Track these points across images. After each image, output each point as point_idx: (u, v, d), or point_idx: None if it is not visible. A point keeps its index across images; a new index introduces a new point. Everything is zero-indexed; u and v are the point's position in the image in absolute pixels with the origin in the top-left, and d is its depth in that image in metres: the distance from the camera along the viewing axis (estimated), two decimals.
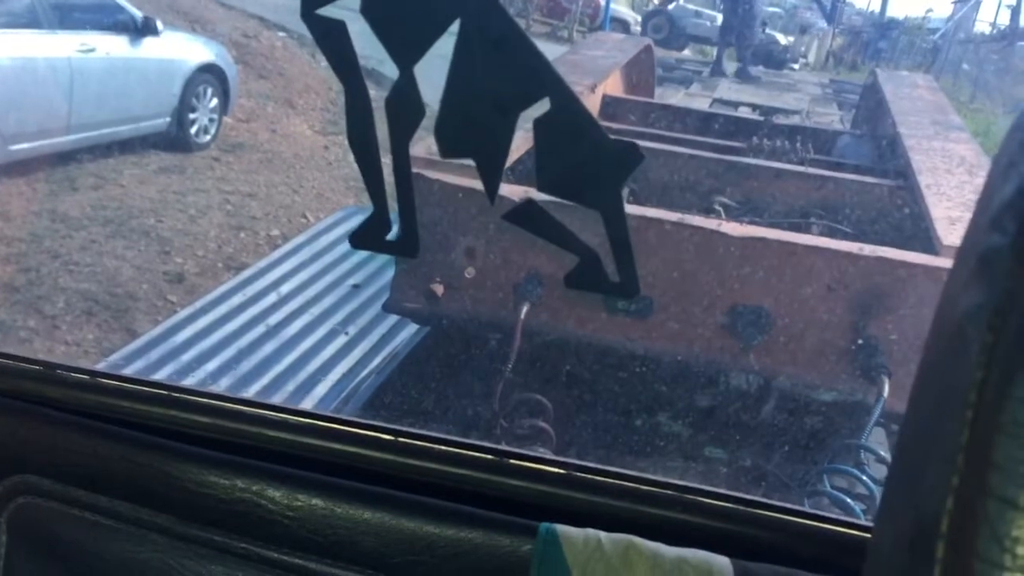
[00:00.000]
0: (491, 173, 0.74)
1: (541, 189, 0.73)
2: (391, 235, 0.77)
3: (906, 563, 0.39)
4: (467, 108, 0.72)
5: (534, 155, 0.72)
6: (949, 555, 0.34)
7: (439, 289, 2.90)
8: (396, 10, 0.71)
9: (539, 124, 0.71)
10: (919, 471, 0.39)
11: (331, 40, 0.72)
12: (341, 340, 3.84)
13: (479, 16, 0.69)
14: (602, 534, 0.77)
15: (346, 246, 4.58)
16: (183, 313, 4.01)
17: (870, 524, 0.80)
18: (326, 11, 0.72)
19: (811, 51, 12.57)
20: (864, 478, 2.64)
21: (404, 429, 0.88)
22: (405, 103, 0.73)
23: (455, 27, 0.70)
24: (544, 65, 0.71)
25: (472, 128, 0.73)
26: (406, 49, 0.71)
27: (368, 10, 0.70)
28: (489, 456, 0.86)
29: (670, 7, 15.78)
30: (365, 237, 0.78)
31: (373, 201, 0.76)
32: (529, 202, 0.74)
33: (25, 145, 5.33)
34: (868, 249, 2.77)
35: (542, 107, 0.71)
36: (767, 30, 14.26)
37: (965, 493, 0.34)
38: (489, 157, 0.74)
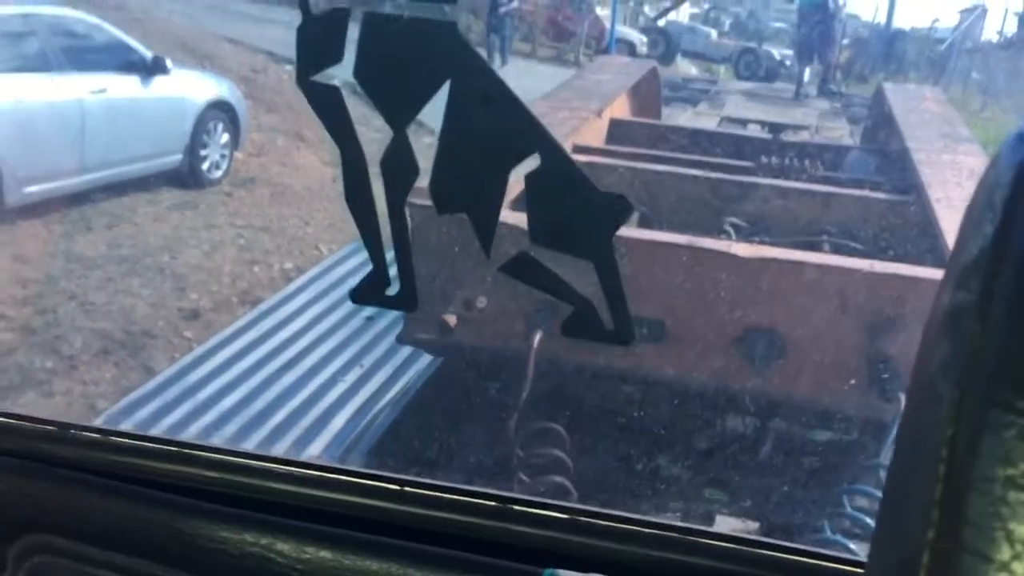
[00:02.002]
0: (485, 228, 0.75)
1: (534, 241, 0.74)
2: (390, 290, 0.79)
3: None
4: (460, 165, 0.74)
5: (526, 208, 0.73)
6: None
7: (452, 320, 2.90)
8: (387, 73, 0.73)
9: (530, 179, 0.72)
10: (902, 521, 0.40)
11: (326, 105, 0.74)
12: (357, 372, 3.86)
13: (468, 78, 0.70)
14: None
15: (358, 278, 4.62)
16: (199, 349, 4.04)
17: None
18: (320, 77, 0.74)
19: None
20: None
21: (410, 479, 0.89)
22: (399, 163, 0.75)
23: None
24: (532, 122, 0.72)
25: (465, 185, 0.75)
26: (398, 111, 0.73)
27: (360, 74, 0.72)
28: (493, 503, 0.87)
29: (660, 23, 15.87)
30: (365, 293, 0.79)
31: (372, 258, 0.78)
32: (523, 254, 0.76)
33: (40, 187, 5.39)
34: (880, 266, 2.76)
35: (533, 162, 0.72)
36: (763, 46, 14.36)
37: (941, 547, 0.35)
38: (483, 212, 0.75)
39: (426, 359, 3.65)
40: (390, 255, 0.77)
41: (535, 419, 2.79)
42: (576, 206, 0.73)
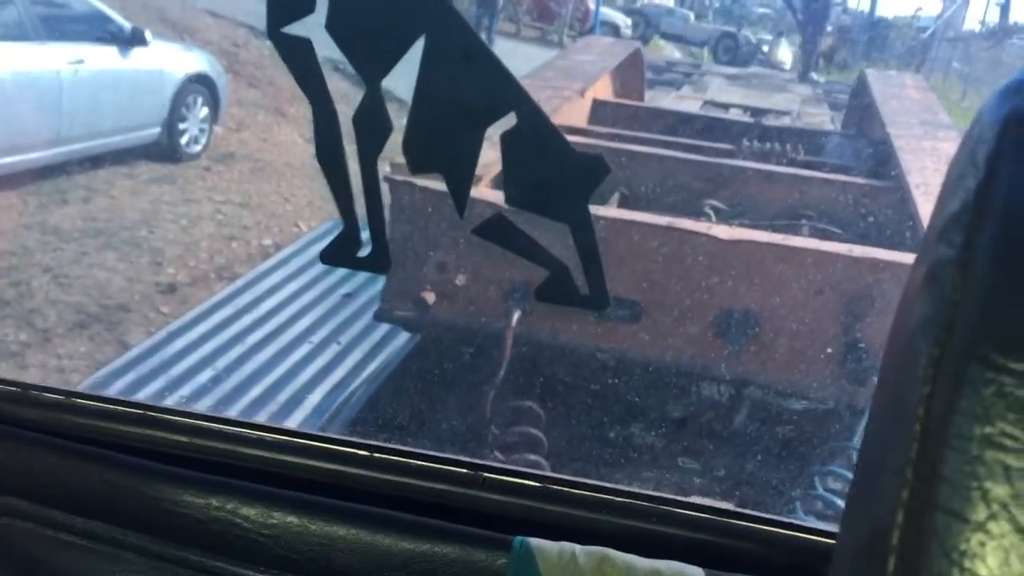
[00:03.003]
0: (460, 187, 0.74)
1: (509, 203, 0.73)
2: (362, 251, 0.77)
3: (863, 574, 0.39)
4: (434, 123, 0.72)
5: (502, 169, 0.72)
6: (900, 568, 0.34)
7: (430, 297, 2.89)
8: (361, 27, 0.71)
9: (506, 138, 0.71)
10: (875, 482, 0.39)
11: (297, 58, 0.72)
12: (334, 349, 3.84)
13: (444, 32, 0.69)
14: (577, 547, 0.77)
15: None
16: (175, 324, 4.01)
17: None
18: (292, 29, 0.72)
19: (775, 53, 12.67)
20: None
21: (380, 445, 0.88)
22: (372, 120, 0.73)
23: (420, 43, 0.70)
24: (509, 79, 0.71)
25: (440, 143, 0.73)
26: (372, 65, 0.71)
27: (333, 27, 0.70)
28: (465, 470, 0.86)
29: (638, 3, 15.94)
30: (336, 253, 0.78)
31: (343, 217, 0.76)
32: (499, 216, 0.74)
33: (15, 158, 5.32)
34: (858, 250, 2.77)
35: (509, 121, 0.71)
36: (742, 30, 14.47)
37: (915, 506, 0.34)
38: (457, 171, 0.74)
39: (404, 336, 3.64)
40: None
41: (511, 397, 2.79)
42: (553, 166, 0.72)
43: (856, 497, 0.44)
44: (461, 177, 0.74)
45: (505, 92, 0.70)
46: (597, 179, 0.72)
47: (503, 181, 0.72)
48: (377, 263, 0.77)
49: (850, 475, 2.67)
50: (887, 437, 0.38)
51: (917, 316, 0.36)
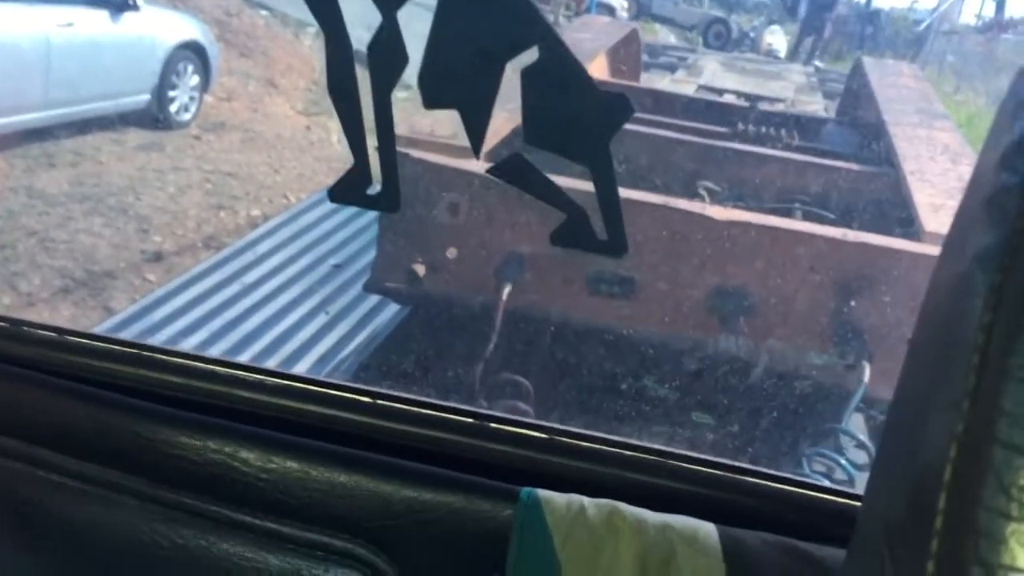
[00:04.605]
0: (476, 124, 0.72)
1: (528, 142, 0.70)
2: (371, 189, 0.75)
3: (903, 518, 0.37)
4: (452, 56, 0.70)
5: (521, 106, 0.69)
6: (951, 504, 0.33)
7: (421, 269, 2.87)
8: None
9: (527, 74, 0.68)
10: (920, 422, 0.37)
11: None
12: (322, 319, 3.82)
13: None
14: (585, 499, 0.75)
15: (327, 226, 4.58)
16: (160, 291, 3.98)
17: (855, 492, 0.79)
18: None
19: (764, 39, 12.64)
20: (843, 462, 2.64)
21: (383, 391, 0.86)
22: (387, 51, 0.71)
23: None
24: (533, 12, 0.68)
25: (457, 77, 0.71)
26: None
27: None
28: (470, 420, 0.84)
29: None
30: (345, 191, 0.75)
31: (354, 154, 0.74)
32: (516, 156, 0.72)
33: (1, 120, 5.26)
34: (851, 235, 2.78)
35: (530, 56, 0.69)
36: (732, 15, 14.49)
37: (970, 440, 0.33)
38: (474, 107, 0.71)
39: (393, 308, 3.62)
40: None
41: (500, 370, 2.78)
42: (575, 105, 0.69)
43: (892, 443, 0.43)
44: (478, 113, 0.71)
45: (528, 25, 0.68)
46: (621, 119, 0.70)
47: (522, 117, 0.70)
48: (387, 202, 0.75)
49: (839, 457, 2.67)
50: (937, 372, 0.37)
51: (974, 245, 0.35)
